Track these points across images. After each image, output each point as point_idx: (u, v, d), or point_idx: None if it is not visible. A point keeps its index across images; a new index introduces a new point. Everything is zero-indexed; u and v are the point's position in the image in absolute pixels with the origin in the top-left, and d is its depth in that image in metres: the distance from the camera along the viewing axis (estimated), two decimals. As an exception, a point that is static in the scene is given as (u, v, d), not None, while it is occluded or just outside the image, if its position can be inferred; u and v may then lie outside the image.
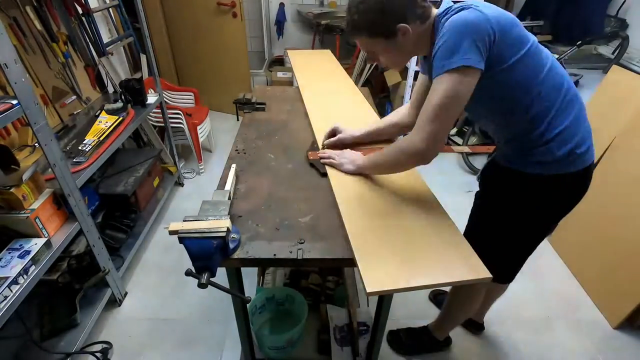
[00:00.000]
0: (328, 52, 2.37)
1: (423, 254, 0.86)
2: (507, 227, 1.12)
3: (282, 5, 3.78)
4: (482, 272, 0.82)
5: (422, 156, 0.93)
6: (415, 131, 0.92)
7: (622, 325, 1.72)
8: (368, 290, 0.76)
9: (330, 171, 1.18)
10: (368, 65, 3.28)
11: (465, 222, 1.92)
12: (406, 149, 0.95)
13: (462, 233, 0.94)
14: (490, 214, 1.17)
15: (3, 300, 1.10)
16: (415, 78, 2.86)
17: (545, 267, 2.05)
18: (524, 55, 0.88)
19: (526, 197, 1.06)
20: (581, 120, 0.99)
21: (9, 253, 1.21)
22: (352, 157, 1.17)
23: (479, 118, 1.09)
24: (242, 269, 1.00)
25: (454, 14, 0.86)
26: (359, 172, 1.14)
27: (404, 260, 0.84)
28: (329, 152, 1.23)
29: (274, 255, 0.88)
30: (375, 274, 0.80)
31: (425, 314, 1.78)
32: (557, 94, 0.94)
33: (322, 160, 1.22)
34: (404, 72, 3.11)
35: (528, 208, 1.07)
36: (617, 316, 1.72)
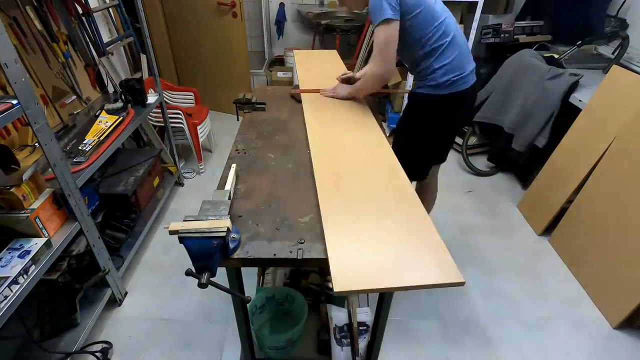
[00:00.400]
0: (334, 52, 2.35)
1: (397, 255, 0.86)
2: (415, 137, 1.63)
3: (282, 5, 3.78)
4: (455, 276, 0.81)
5: (382, 77, 1.47)
6: (372, 63, 1.46)
7: (622, 325, 1.72)
8: (335, 289, 0.77)
9: (313, 153, 1.26)
10: (368, 65, 3.29)
11: (465, 222, 1.92)
12: (372, 75, 1.49)
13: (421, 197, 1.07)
14: (404, 129, 1.71)
15: (3, 300, 1.10)
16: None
17: (545, 267, 2.05)
18: (420, 13, 1.37)
19: (424, 112, 1.58)
20: (459, 59, 1.46)
21: (9, 253, 1.21)
22: (345, 89, 1.67)
23: (399, 53, 1.49)
24: (242, 268, 1.00)
25: None
26: (351, 96, 1.65)
27: (376, 261, 0.84)
28: (329, 90, 1.71)
29: (274, 255, 0.89)
30: (345, 273, 0.81)
31: (425, 314, 1.78)
32: (444, 40, 1.42)
33: (325, 95, 1.70)
34: (404, 72, 3.11)
35: (427, 121, 1.59)
36: (617, 316, 1.72)
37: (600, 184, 1.91)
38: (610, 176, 1.85)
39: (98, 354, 1.50)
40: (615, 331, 1.72)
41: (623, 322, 1.70)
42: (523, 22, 2.80)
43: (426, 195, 1.91)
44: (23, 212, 1.24)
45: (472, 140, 2.94)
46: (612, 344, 1.67)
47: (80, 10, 2.00)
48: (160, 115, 2.43)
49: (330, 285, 1.67)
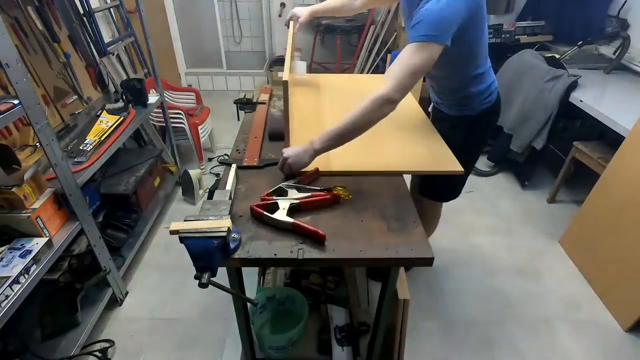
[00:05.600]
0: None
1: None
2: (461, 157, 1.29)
3: (283, 5, 3.78)
4: None
5: (393, 104, 1.05)
6: (390, 83, 1.03)
7: (633, 327, 1.70)
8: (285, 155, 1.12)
9: None
10: (368, 66, 3.29)
11: (465, 222, 1.89)
12: (380, 98, 1.03)
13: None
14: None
15: (4, 300, 1.10)
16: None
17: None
18: (481, 31, 1.16)
19: (466, 132, 1.40)
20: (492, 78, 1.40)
21: (10, 252, 1.22)
22: (300, 152, 1.11)
23: (435, 74, 1.34)
24: (243, 268, 1.00)
25: None
26: (319, 154, 1.12)
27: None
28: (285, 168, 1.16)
29: (275, 255, 0.89)
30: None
31: (425, 314, 1.78)
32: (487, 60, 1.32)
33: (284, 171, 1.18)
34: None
35: (469, 140, 1.41)
36: (629, 318, 1.69)
37: (611, 183, 1.89)
38: (621, 176, 1.82)
39: (98, 354, 1.50)
40: (626, 334, 1.70)
41: (635, 324, 1.68)
42: (524, 22, 2.80)
43: (435, 214, 1.83)
44: (24, 211, 1.25)
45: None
46: (623, 347, 1.65)
47: (81, 10, 2.00)
48: (161, 115, 2.44)
49: (332, 286, 1.68)
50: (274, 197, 1.02)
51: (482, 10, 1.11)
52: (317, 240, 0.90)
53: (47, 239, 1.29)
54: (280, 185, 1.06)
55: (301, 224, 0.91)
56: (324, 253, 0.89)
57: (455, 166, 1.19)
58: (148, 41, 2.13)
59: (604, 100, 2.12)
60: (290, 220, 0.92)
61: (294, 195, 1.03)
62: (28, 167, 1.29)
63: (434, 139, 1.37)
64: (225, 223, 0.82)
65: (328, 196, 1.01)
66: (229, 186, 1.04)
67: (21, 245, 1.24)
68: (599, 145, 2.18)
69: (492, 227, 2.33)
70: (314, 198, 1.01)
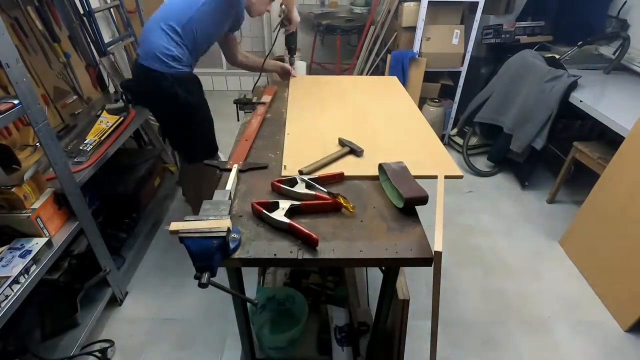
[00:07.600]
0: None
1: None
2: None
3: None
4: None
5: None
6: None
7: (633, 327, 1.70)
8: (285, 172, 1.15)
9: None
10: (368, 66, 3.29)
11: (466, 222, 1.89)
12: None
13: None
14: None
15: (4, 300, 1.10)
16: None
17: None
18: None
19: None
20: None
21: (10, 252, 1.22)
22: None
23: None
24: (243, 268, 1.00)
25: None
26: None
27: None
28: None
29: (275, 255, 0.89)
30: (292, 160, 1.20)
31: (425, 314, 1.78)
32: None
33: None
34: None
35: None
36: (629, 318, 1.70)
37: (612, 183, 1.89)
38: (622, 175, 1.82)
39: (97, 354, 1.50)
40: (626, 334, 1.70)
41: (634, 325, 1.68)
42: (524, 22, 2.80)
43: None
44: (24, 211, 1.25)
45: (473, 140, 2.94)
46: (623, 347, 1.65)
47: (81, 10, 2.00)
48: (161, 115, 2.43)
49: (332, 286, 1.69)
50: (282, 186, 1.06)
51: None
52: (309, 243, 0.90)
53: (47, 239, 1.29)
54: (295, 176, 1.10)
55: (296, 225, 0.91)
56: (324, 253, 0.89)
57: (454, 170, 1.18)
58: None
59: (603, 100, 2.13)
60: (287, 220, 0.92)
61: (302, 189, 1.05)
62: (28, 167, 1.29)
63: (433, 141, 1.36)
64: (225, 223, 0.82)
65: (330, 201, 1.01)
66: (229, 186, 1.04)
67: (21, 245, 1.24)
68: (598, 145, 2.18)
69: (492, 227, 2.33)
70: (315, 201, 1.01)
